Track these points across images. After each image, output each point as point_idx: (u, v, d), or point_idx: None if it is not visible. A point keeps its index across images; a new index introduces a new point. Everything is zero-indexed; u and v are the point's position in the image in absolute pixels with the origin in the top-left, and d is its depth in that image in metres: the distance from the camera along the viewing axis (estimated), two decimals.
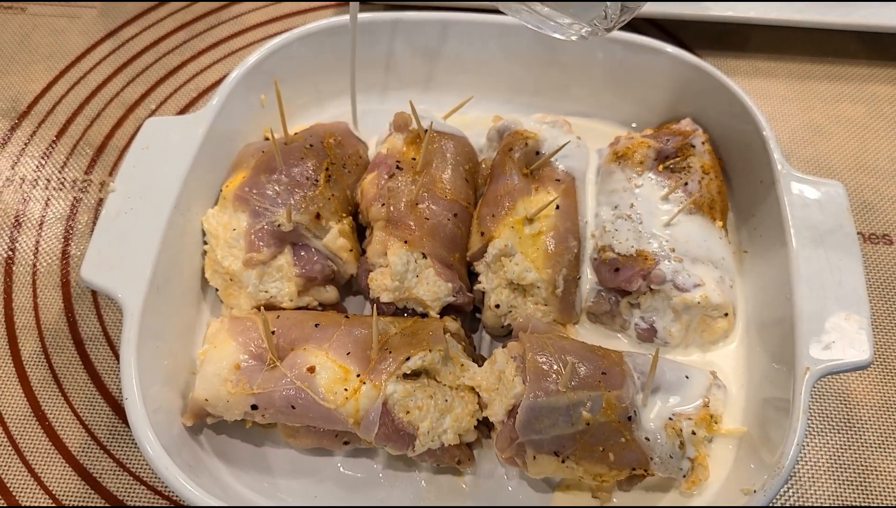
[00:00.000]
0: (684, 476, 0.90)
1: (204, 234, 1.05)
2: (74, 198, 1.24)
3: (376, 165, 1.09)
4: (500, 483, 0.94)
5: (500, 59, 1.25)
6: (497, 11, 1.22)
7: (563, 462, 0.88)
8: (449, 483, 0.94)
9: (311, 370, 0.90)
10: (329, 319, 0.97)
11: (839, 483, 0.98)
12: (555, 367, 0.89)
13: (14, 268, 1.16)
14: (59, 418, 1.03)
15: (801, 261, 0.96)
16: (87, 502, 0.96)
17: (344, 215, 1.07)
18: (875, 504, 0.97)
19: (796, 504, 0.97)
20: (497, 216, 1.03)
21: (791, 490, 0.98)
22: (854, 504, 0.97)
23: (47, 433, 1.01)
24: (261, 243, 1.00)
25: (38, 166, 1.28)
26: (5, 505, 0.96)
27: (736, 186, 1.14)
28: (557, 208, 1.04)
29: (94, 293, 1.13)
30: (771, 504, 0.95)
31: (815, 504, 0.97)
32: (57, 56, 1.43)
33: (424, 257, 0.99)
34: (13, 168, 1.28)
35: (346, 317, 0.98)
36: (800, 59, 1.44)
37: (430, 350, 0.91)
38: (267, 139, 1.11)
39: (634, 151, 1.09)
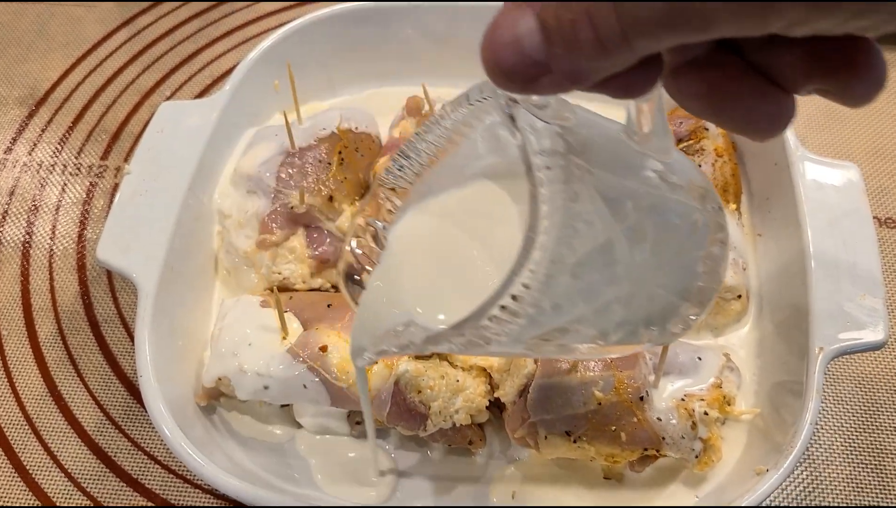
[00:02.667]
0: (696, 457, 0.90)
1: (217, 215, 1.06)
2: (90, 183, 1.25)
3: (389, 149, 1.09)
4: (513, 464, 0.94)
5: None
6: None
7: (574, 441, 0.88)
8: (461, 464, 0.94)
9: (324, 349, 0.90)
10: (342, 300, 0.97)
11: (854, 466, 0.97)
12: None
13: (31, 251, 1.17)
14: (75, 398, 1.04)
15: (815, 243, 0.95)
16: (103, 479, 0.97)
17: (357, 198, 1.08)
18: (891, 485, 0.96)
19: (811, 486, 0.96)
20: None
21: (805, 473, 0.97)
22: (869, 485, 0.96)
23: (63, 412, 1.02)
24: (274, 225, 1.00)
25: (54, 152, 1.29)
26: (26, 503, 0.97)
27: (750, 170, 1.13)
28: None
29: (109, 276, 1.14)
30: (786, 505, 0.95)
31: (829, 486, 0.96)
32: (74, 44, 1.45)
33: None
34: (30, 154, 1.29)
35: None
36: None
37: None
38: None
39: None
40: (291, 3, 1.50)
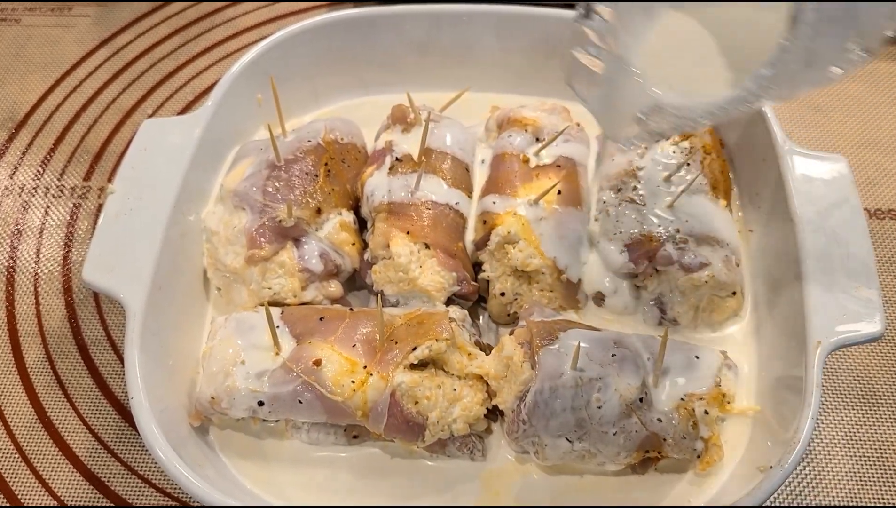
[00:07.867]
0: (699, 457, 0.89)
1: (205, 232, 1.04)
2: (74, 205, 1.24)
3: (375, 158, 1.09)
4: (512, 471, 0.93)
5: (496, 51, 1.24)
6: (491, 1, 1.22)
7: (574, 447, 0.87)
8: (460, 473, 0.93)
9: (318, 363, 0.89)
10: (334, 313, 0.96)
11: (856, 460, 0.97)
12: (562, 352, 0.88)
13: (16, 276, 1.15)
14: (66, 423, 1.02)
15: (807, 236, 0.95)
16: (96, 505, 0.95)
17: (345, 209, 1.06)
18: (893, 478, 0.95)
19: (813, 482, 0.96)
20: (499, 204, 1.02)
21: (808, 469, 0.96)
22: (871, 479, 0.95)
23: (54, 439, 1.00)
24: (262, 240, 0.99)
25: (36, 175, 1.28)
26: None
27: (738, 166, 1.13)
28: (559, 193, 1.03)
29: (96, 298, 1.13)
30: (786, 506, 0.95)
31: (831, 481, 0.95)
32: (52, 66, 1.43)
33: (427, 247, 0.99)
34: (12, 177, 1.27)
35: (351, 310, 0.97)
36: None
37: (436, 340, 0.90)
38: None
39: None
40: (270, 17, 1.49)
